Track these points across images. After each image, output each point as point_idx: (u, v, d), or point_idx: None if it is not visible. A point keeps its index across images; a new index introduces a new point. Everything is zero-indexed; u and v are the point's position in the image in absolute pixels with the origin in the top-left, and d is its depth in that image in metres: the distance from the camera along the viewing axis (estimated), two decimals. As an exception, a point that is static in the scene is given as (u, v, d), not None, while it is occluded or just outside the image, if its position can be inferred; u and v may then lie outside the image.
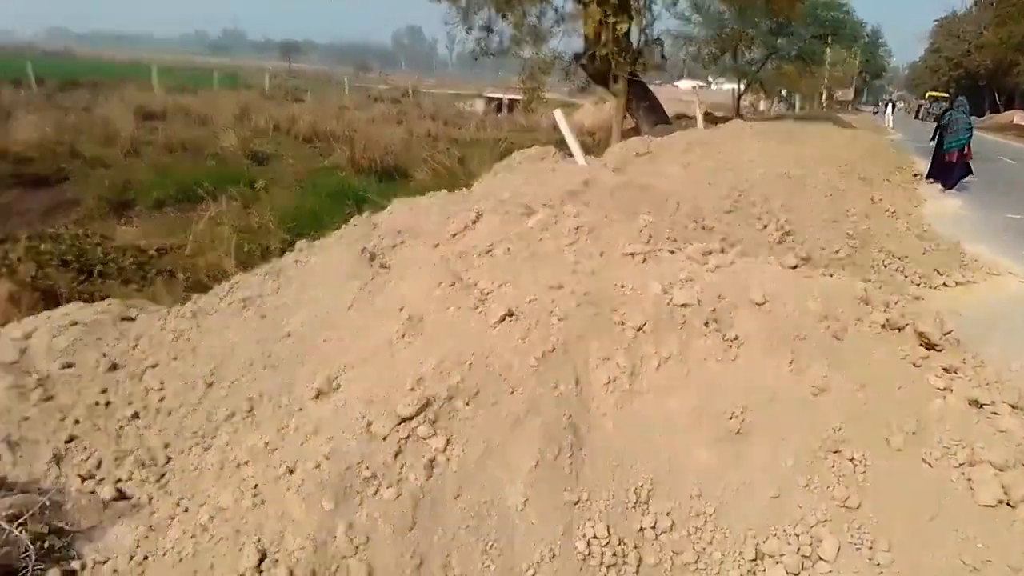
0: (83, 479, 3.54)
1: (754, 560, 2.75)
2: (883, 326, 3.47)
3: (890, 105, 37.80)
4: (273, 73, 44.67)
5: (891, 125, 30.24)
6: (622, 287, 3.68)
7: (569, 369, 3.27)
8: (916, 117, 48.88)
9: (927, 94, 51.31)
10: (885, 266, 6.43)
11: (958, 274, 6.31)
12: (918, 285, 6.19)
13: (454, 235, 4.75)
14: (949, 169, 12.08)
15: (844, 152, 9.29)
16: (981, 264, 6.66)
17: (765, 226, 6.39)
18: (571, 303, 3.53)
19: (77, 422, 3.95)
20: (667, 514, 2.92)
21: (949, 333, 3.45)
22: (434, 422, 3.03)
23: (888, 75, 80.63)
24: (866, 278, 5.92)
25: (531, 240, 4.47)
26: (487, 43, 19.13)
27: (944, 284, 6.18)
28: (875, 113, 48.49)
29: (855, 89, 55.84)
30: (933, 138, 12.45)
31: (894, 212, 7.71)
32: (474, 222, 4.82)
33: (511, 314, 3.49)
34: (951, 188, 11.86)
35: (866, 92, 71.93)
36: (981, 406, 3.07)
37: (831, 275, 4.15)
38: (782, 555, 2.72)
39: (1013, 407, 3.09)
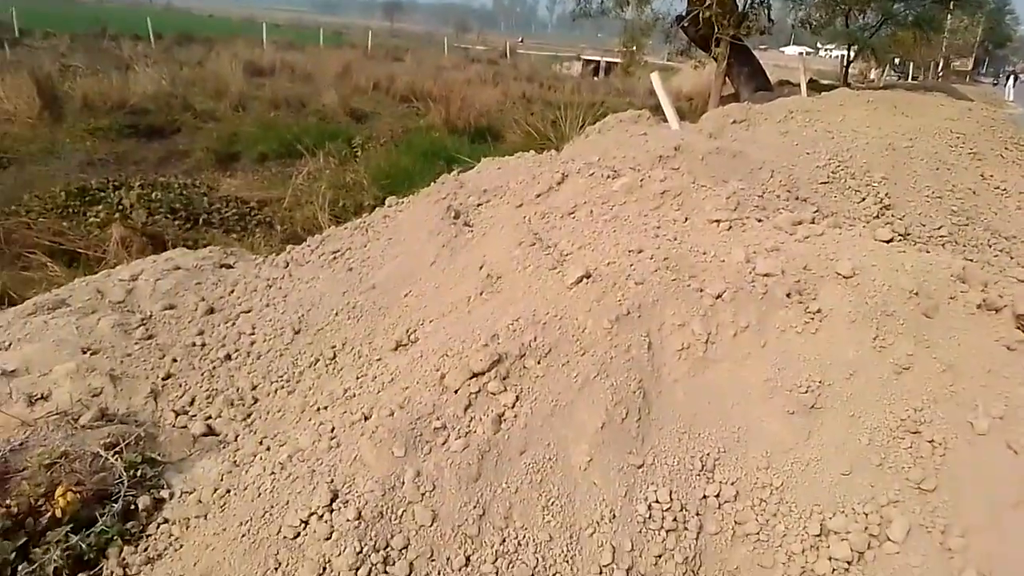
0: (176, 414, 3.75)
1: (818, 535, 2.70)
2: (979, 306, 3.30)
3: (1012, 77, 35.54)
4: (375, 32, 45.22)
5: (1011, 98, 28.46)
6: (704, 254, 3.62)
7: (643, 333, 3.26)
8: None
9: None
10: (990, 246, 6.08)
11: (1072, 257, 5.92)
12: (1024, 268, 5.84)
13: (538, 196, 4.76)
14: None
15: (956, 125, 8.75)
16: (1099, 249, 6.22)
17: (863, 199, 6.13)
18: (649, 268, 3.50)
19: (175, 360, 4.18)
20: (732, 484, 2.89)
21: (1050, 318, 3.27)
22: (505, 378, 3.08)
23: (1014, 45, 74.94)
24: (968, 257, 5.63)
25: (615, 203, 4.44)
26: (587, 4, 18.85)
27: (1055, 269, 5.81)
28: (995, 85, 44.99)
29: (975, 59, 52.23)
30: None
31: (1005, 190, 7.25)
32: (559, 184, 4.81)
33: (588, 276, 3.49)
34: None
35: (987, 63, 67.06)
36: (1078, 396, 2.90)
37: (927, 251, 3.97)
38: (848, 532, 2.65)
39: (1114, 398, 2.90)
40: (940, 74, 40.96)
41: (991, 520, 2.60)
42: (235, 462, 3.28)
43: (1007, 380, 2.97)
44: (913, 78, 33.71)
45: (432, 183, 6.26)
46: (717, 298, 3.33)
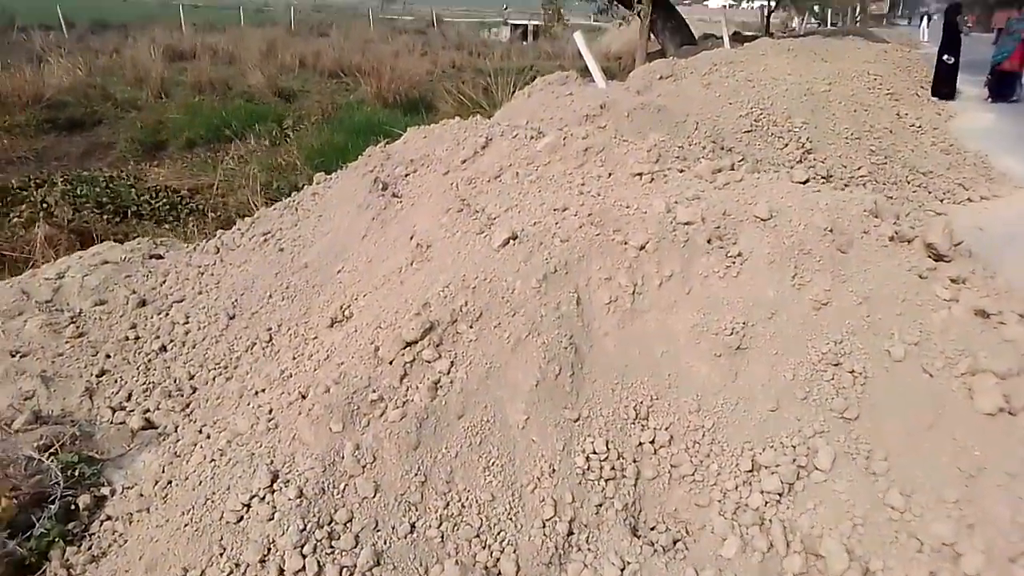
0: (113, 411, 3.70)
1: (750, 471, 2.80)
2: (891, 239, 3.41)
3: (925, 17, 36.34)
4: (298, 8, 44.09)
5: (925, 38, 29.04)
6: (627, 207, 3.66)
7: (571, 290, 3.30)
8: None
9: None
10: (908, 182, 6.27)
11: (984, 188, 6.15)
12: (942, 201, 6.04)
13: (464, 162, 4.75)
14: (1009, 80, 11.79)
15: (873, 67, 8.96)
16: (1009, 178, 6.47)
17: (786, 145, 6.27)
18: (574, 224, 3.53)
19: (108, 356, 4.11)
20: (666, 429, 2.97)
21: (959, 244, 3.39)
22: (438, 345, 3.10)
23: (926, -14, 76.58)
24: (888, 194, 5.81)
25: (539, 164, 4.46)
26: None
27: (969, 199, 6.02)
28: (909, 25, 45.68)
29: (890, 2, 53.14)
30: (950, 51, 11.63)
31: (920, 127, 7.46)
32: (483, 148, 4.81)
33: (515, 237, 3.51)
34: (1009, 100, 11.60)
35: (901, 5, 68.20)
36: (988, 316, 3.02)
37: (844, 188, 4.08)
38: (777, 466, 2.75)
39: (1022, 316, 3.04)
40: (858, 19, 41.54)
41: (910, 443, 2.73)
42: (175, 453, 3.26)
43: (920, 307, 3.09)
44: (832, 24, 34.20)
45: (363, 157, 6.19)
46: (641, 249, 3.38)
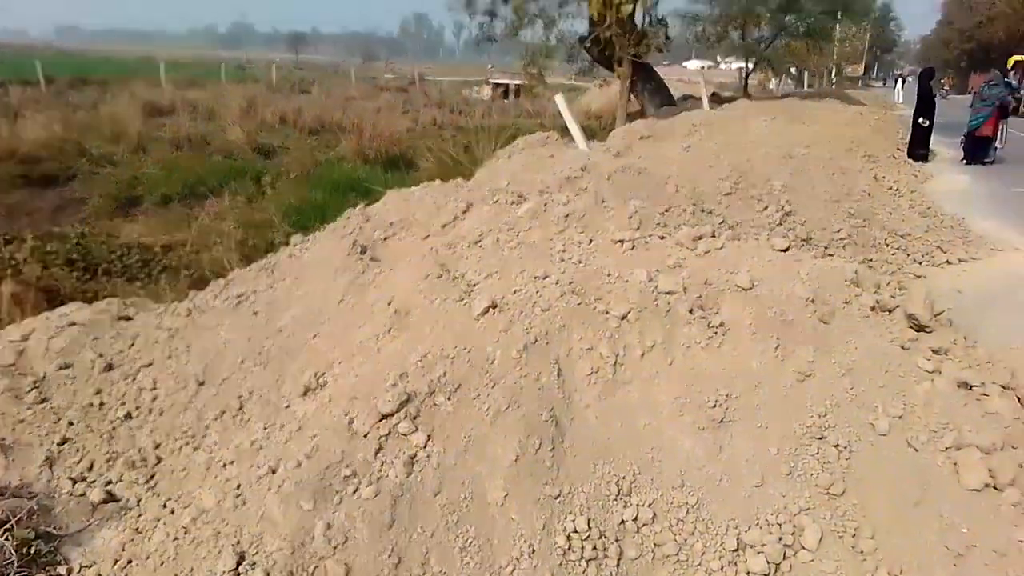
0: (74, 482, 3.54)
1: (735, 550, 2.71)
2: (872, 308, 3.40)
3: (900, 80, 37.69)
4: (280, 65, 44.57)
5: (900, 100, 30.00)
6: (608, 275, 3.63)
7: (551, 360, 3.23)
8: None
9: (1013, 60, 29.97)
10: (887, 245, 6.32)
11: (961, 251, 6.20)
12: (920, 263, 6.08)
13: (444, 226, 4.72)
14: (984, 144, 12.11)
15: (850, 129, 9.17)
16: (986, 240, 6.54)
17: (765, 208, 6.30)
18: (555, 293, 3.49)
19: (71, 424, 3.96)
20: (649, 506, 2.88)
21: (940, 314, 3.38)
22: (415, 418, 3.01)
23: (899, 49, 79.73)
24: (867, 258, 5.84)
25: (520, 229, 4.43)
26: (490, 28, 18.96)
27: (947, 262, 6.07)
28: (883, 86, 47.41)
29: (865, 65, 54.91)
30: (925, 114, 12.02)
31: (898, 190, 7.58)
32: (464, 212, 4.78)
33: (495, 306, 3.45)
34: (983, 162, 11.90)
35: (876, 67, 70.70)
36: (971, 388, 3.01)
37: (823, 256, 4.08)
38: (763, 545, 2.67)
39: (1004, 388, 3.02)
40: (833, 81, 42.79)
41: (896, 519, 2.67)
42: (137, 529, 3.11)
43: (903, 379, 3.06)
44: (808, 86, 35.15)
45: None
46: (622, 319, 3.33)
